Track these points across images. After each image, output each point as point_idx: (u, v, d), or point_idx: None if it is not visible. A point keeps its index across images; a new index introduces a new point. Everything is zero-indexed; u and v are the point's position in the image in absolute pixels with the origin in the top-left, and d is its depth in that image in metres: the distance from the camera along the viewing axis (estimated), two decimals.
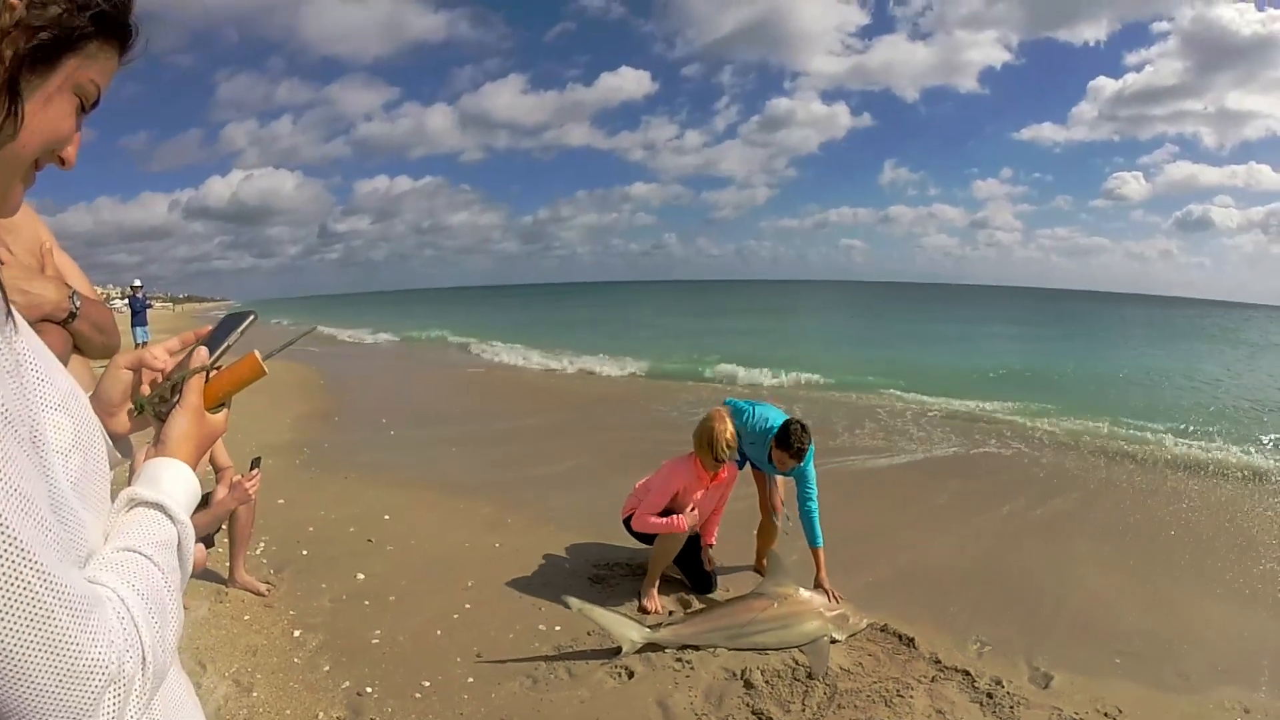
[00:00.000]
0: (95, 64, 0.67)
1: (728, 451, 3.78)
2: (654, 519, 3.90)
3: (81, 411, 0.71)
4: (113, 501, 0.76)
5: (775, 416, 4.12)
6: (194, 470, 0.81)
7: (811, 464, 3.99)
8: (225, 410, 0.87)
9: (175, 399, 0.84)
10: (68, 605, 0.55)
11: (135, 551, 0.68)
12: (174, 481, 0.78)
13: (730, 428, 3.80)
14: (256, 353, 0.86)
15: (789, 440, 3.85)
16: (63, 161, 0.70)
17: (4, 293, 0.63)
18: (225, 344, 0.88)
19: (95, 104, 0.69)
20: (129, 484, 0.79)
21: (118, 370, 0.90)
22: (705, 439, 3.80)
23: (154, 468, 0.79)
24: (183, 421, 0.82)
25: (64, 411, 0.67)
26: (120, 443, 0.88)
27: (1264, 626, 3.93)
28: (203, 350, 0.87)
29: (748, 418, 4.14)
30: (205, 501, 3.08)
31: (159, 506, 0.74)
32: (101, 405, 0.88)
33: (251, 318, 0.92)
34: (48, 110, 0.64)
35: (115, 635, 0.59)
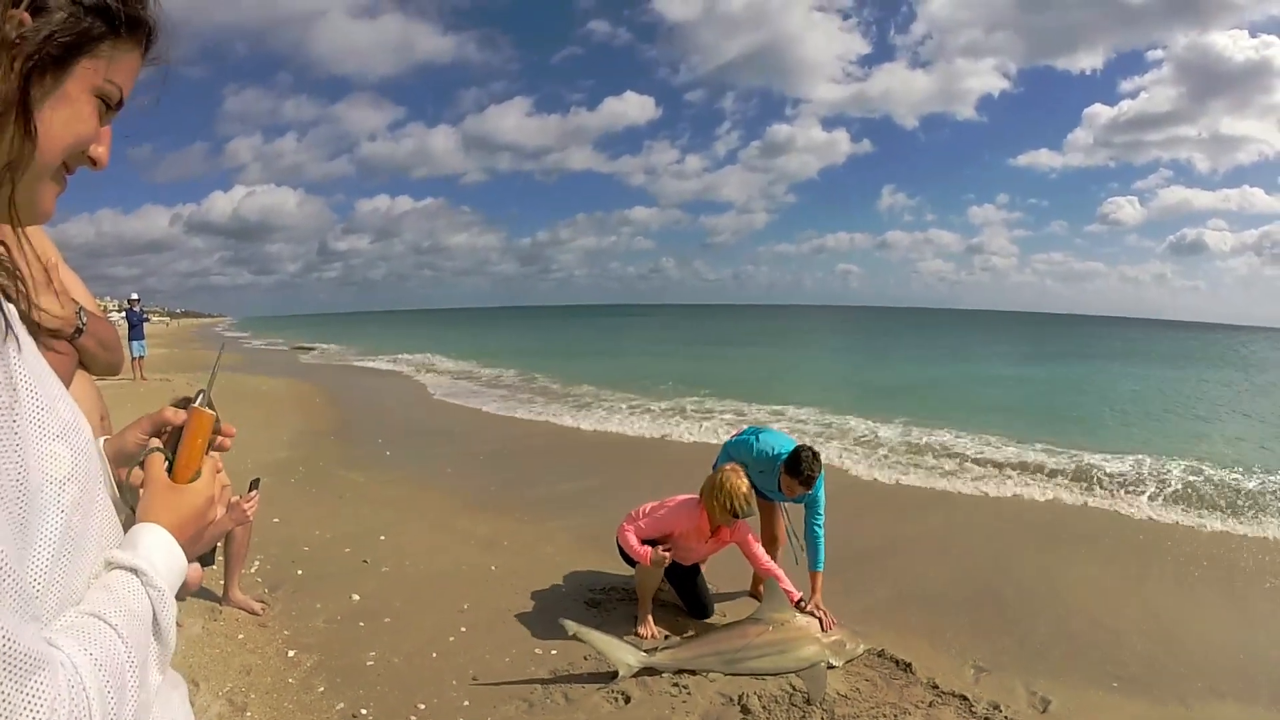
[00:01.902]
0: (112, 64, 0.66)
1: (747, 507, 3.70)
2: (631, 538, 3.89)
3: (82, 442, 0.68)
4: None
5: (783, 443, 4.10)
6: (180, 540, 0.77)
7: (822, 490, 3.99)
8: (202, 477, 0.83)
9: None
10: (7, 661, 0.51)
11: (99, 619, 0.63)
12: (153, 546, 0.73)
13: (746, 483, 3.72)
14: (195, 405, 0.84)
15: (799, 467, 3.84)
16: (94, 162, 0.69)
17: (2, 311, 0.62)
18: (179, 424, 0.86)
19: (120, 103, 0.69)
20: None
21: (137, 433, 0.89)
22: (721, 497, 3.70)
23: (135, 533, 0.75)
24: (145, 496, 0.79)
25: (63, 441, 0.64)
26: (126, 493, 0.86)
27: (1260, 647, 3.93)
28: (154, 440, 0.85)
29: (754, 446, 4.13)
30: None
31: (134, 571, 0.69)
32: (122, 459, 0.87)
33: (200, 395, 0.88)
34: (66, 114, 0.64)
35: (60, 704, 0.54)
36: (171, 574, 0.73)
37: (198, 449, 0.84)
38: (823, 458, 4.02)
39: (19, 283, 0.72)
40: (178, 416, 0.88)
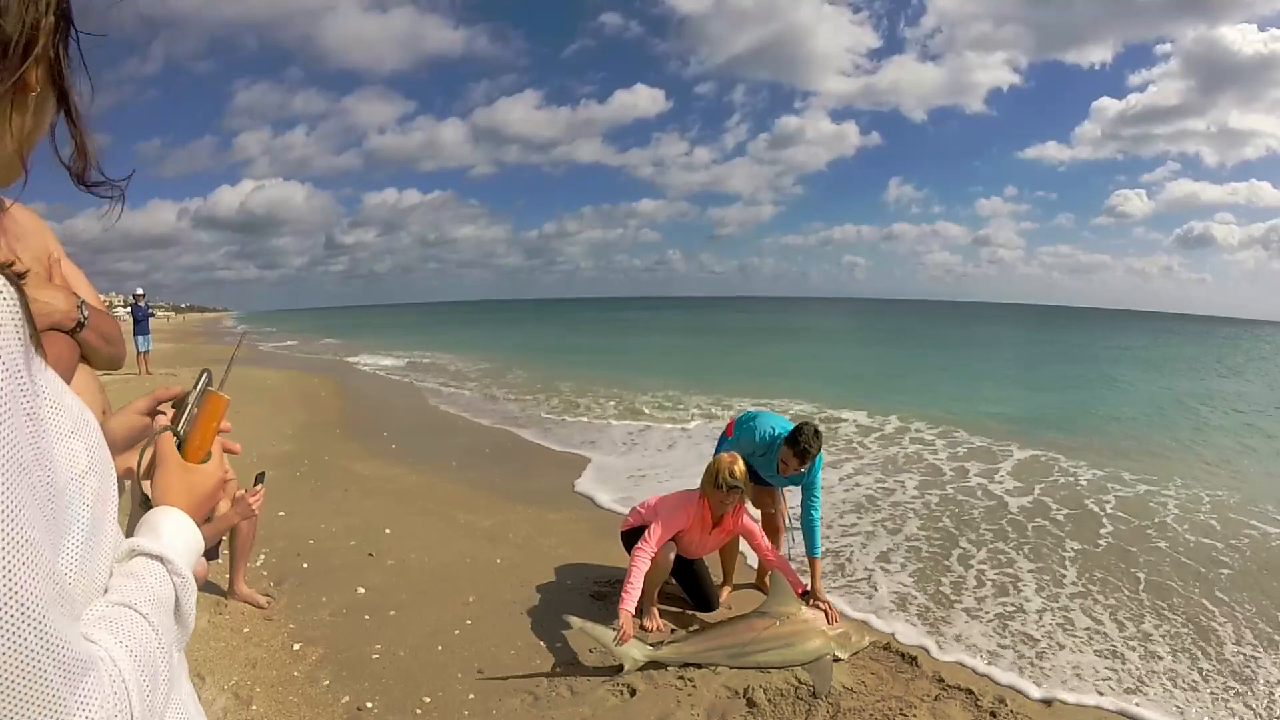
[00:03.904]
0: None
1: (731, 479, 3.71)
2: (635, 565, 3.66)
3: (92, 434, 0.70)
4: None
5: (782, 424, 4.13)
6: (196, 520, 0.80)
7: (819, 474, 4.01)
8: (212, 459, 0.86)
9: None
10: (62, 667, 0.53)
11: (132, 609, 0.66)
12: (175, 532, 0.76)
13: (740, 463, 3.76)
14: (210, 388, 0.87)
15: (798, 439, 3.85)
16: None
17: (31, 319, 0.62)
18: (189, 405, 0.87)
19: None
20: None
21: (131, 415, 0.92)
22: (711, 472, 3.80)
23: (155, 517, 0.77)
24: (160, 477, 0.81)
25: (77, 437, 0.66)
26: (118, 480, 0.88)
27: (1262, 644, 3.91)
28: (161, 419, 0.88)
29: (755, 429, 4.13)
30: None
31: (160, 559, 0.72)
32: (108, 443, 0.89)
33: (206, 374, 0.90)
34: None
35: (106, 700, 0.56)
36: (191, 557, 0.76)
37: (211, 431, 0.86)
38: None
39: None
40: (169, 392, 0.91)
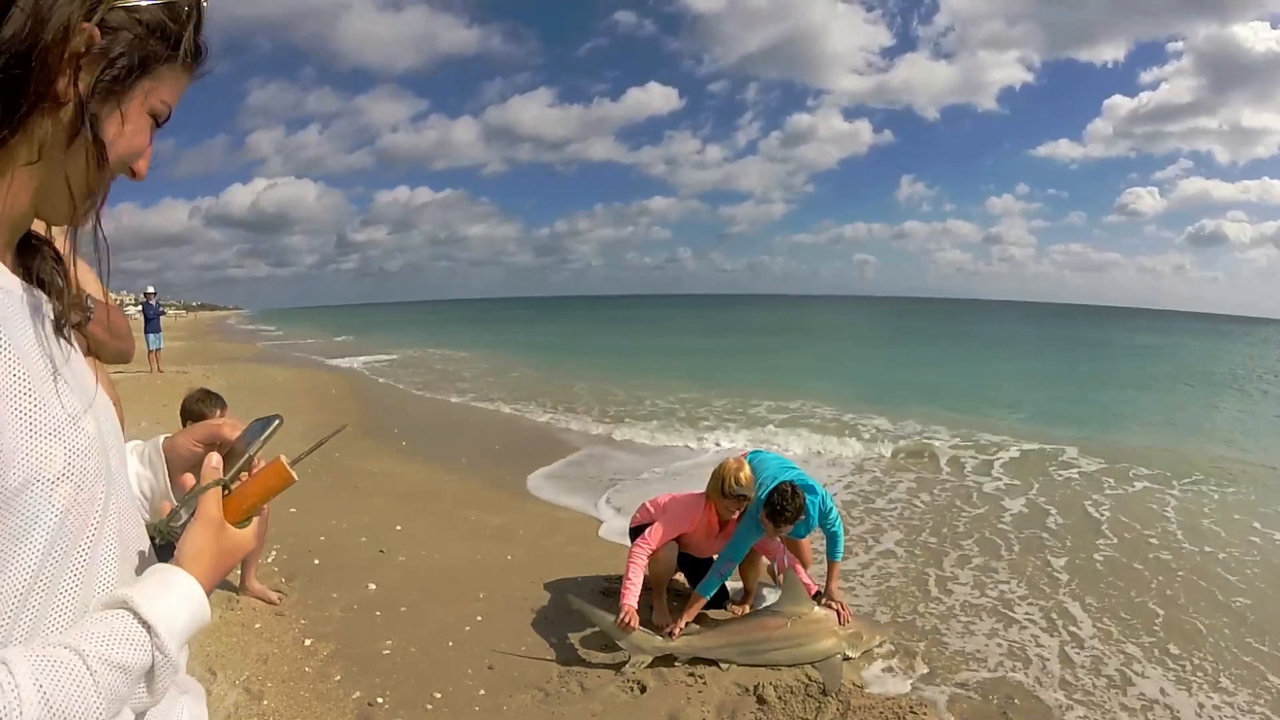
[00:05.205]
0: (167, 84, 0.70)
1: (735, 486, 3.61)
2: (633, 563, 3.68)
3: (81, 439, 0.66)
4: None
5: (775, 473, 3.78)
6: (210, 588, 0.74)
7: (827, 502, 3.82)
8: (252, 524, 0.81)
9: (190, 515, 0.78)
10: None
11: (79, 656, 0.60)
12: (180, 604, 0.69)
13: (747, 469, 3.66)
14: (283, 457, 0.81)
15: (771, 501, 3.55)
16: (134, 173, 0.72)
17: None
18: (248, 453, 0.83)
19: (167, 119, 0.73)
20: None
21: (189, 441, 0.89)
22: (717, 478, 3.70)
23: (169, 576, 0.71)
24: (198, 536, 0.76)
25: (57, 439, 0.63)
26: (177, 488, 0.86)
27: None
28: (214, 458, 0.82)
29: (761, 475, 3.86)
30: None
31: (149, 629, 0.65)
32: (174, 459, 0.89)
33: (277, 422, 0.87)
34: (124, 130, 0.67)
35: None
36: (189, 633, 0.70)
37: (264, 495, 0.82)
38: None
39: (65, 283, 0.76)
40: (234, 431, 0.87)
